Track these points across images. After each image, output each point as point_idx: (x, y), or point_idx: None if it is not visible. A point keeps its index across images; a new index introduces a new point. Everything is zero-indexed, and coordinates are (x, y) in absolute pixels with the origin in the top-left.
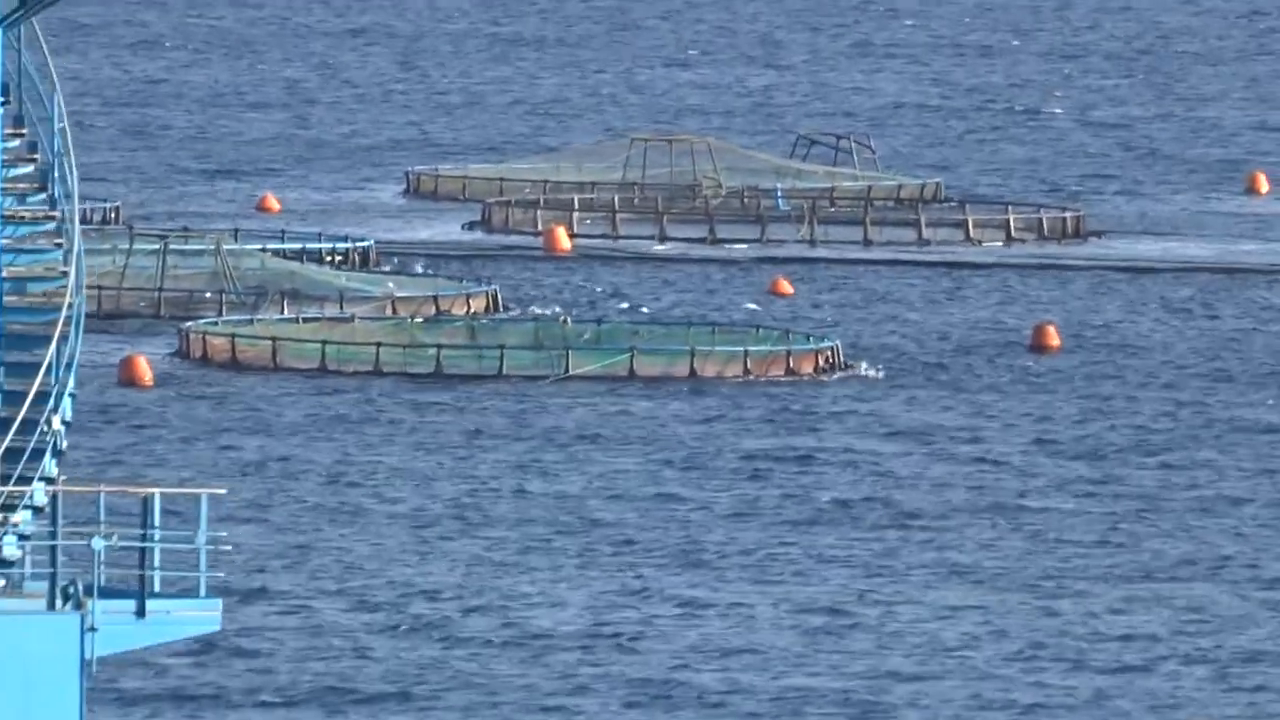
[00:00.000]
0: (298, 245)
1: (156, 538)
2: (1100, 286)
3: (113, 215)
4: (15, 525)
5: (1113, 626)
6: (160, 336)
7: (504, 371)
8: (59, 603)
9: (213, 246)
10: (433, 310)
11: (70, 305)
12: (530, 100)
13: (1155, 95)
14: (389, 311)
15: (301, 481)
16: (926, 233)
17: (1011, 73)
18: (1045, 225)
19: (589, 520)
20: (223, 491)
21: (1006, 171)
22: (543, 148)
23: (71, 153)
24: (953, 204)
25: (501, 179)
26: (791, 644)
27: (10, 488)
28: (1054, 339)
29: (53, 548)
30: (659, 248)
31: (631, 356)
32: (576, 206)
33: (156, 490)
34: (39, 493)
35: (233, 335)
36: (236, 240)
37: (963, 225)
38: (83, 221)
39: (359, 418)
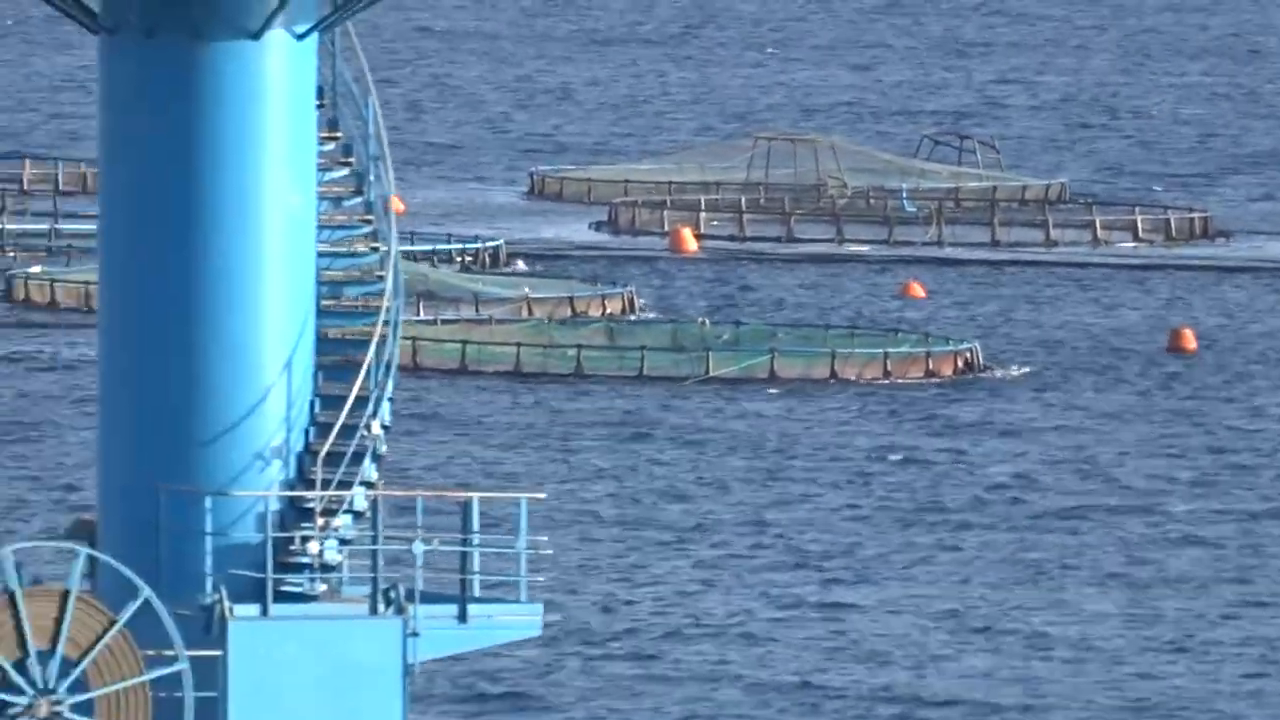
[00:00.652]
0: (428, 247)
1: (476, 542)
2: (1229, 287)
3: None
4: (336, 530)
5: (1258, 624)
6: None
7: (644, 372)
8: (381, 607)
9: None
10: (568, 311)
11: (387, 309)
12: (641, 98)
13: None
14: (524, 313)
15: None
16: (1054, 234)
17: (1125, 73)
18: (1173, 226)
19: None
20: (542, 496)
21: (1119, 170)
22: (669, 147)
23: (388, 157)
24: (1079, 205)
25: (626, 180)
26: (940, 645)
27: (331, 492)
28: (1190, 341)
29: (373, 552)
30: (791, 248)
31: (772, 358)
32: (703, 207)
33: (475, 495)
34: (359, 497)
35: None
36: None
37: (1090, 226)
38: None
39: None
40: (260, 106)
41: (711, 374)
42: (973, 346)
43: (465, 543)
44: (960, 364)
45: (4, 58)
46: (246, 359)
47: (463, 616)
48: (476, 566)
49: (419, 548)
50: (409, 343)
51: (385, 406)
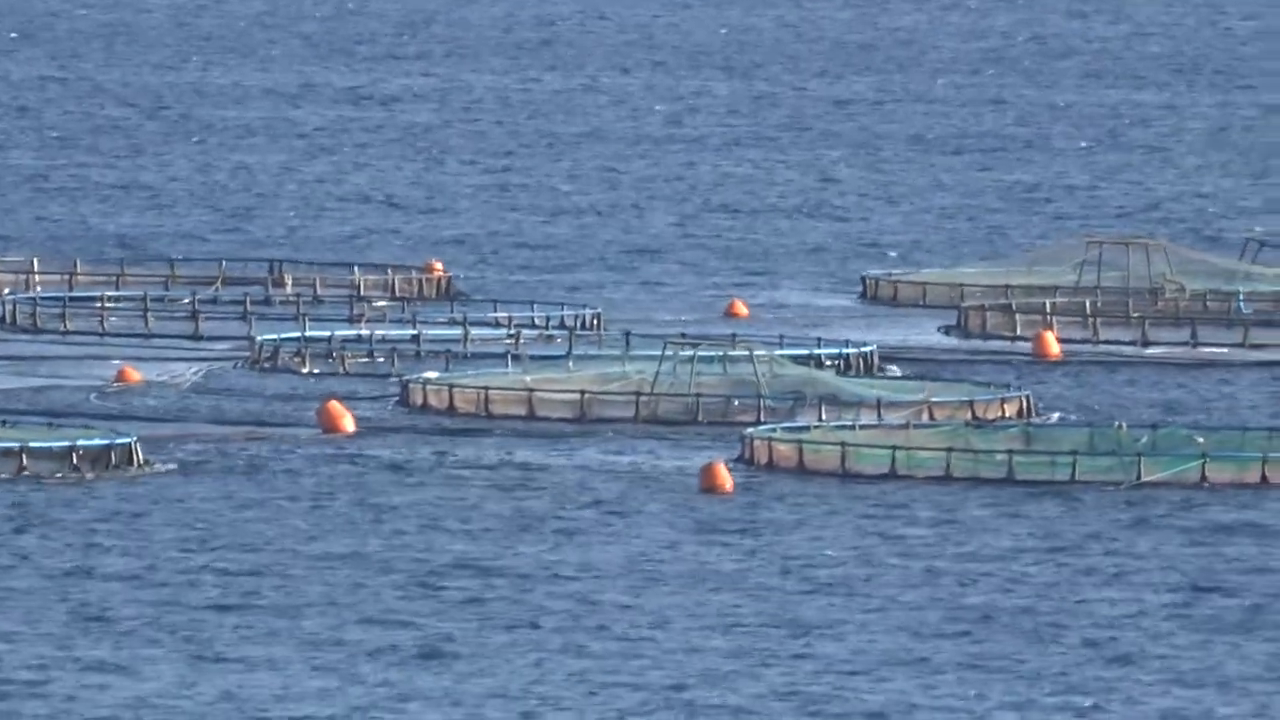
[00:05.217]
0: (803, 351)
1: None
2: None
3: (594, 321)
4: None
5: None
6: (709, 442)
7: (1075, 478)
8: None
9: (745, 354)
10: (968, 415)
11: None
12: (962, 204)
13: None
14: (925, 417)
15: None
16: None
17: None
18: None
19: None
20: None
21: None
22: (993, 250)
23: None
24: None
25: (962, 284)
26: None
27: None
28: None
29: None
30: (1151, 351)
31: (1204, 462)
32: (1049, 310)
33: None
34: None
35: (799, 442)
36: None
37: None
38: (561, 327)
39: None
40: None
41: (1143, 479)
42: None
43: None
44: None
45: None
46: None
47: None
48: None
49: None
50: (837, 448)
51: None
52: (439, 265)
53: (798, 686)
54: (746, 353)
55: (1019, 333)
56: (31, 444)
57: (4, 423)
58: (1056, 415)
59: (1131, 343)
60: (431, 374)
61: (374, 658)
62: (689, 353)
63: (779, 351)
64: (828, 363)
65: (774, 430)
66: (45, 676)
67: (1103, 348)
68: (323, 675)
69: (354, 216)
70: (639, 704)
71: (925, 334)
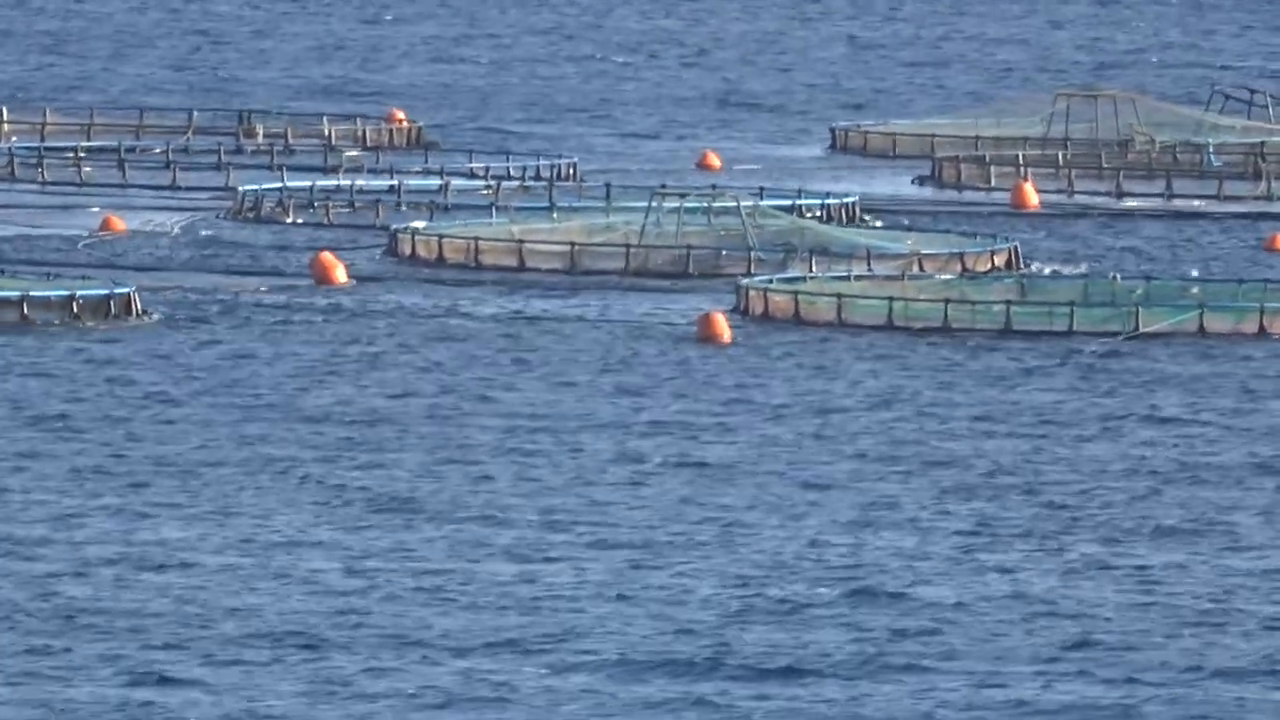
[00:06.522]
0: (786, 201)
1: None
2: None
3: (570, 172)
4: None
5: None
6: (704, 294)
7: (1074, 328)
8: None
9: (733, 204)
10: (958, 267)
11: None
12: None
13: None
14: (915, 269)
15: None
16: None
17: None
18: None
19: None
20: None
21: None
22: (961, 101)
23: None
24: None
25: (932, 135)
26: None
27: None
28: None
29: None
30: (1127, 203)
31: (1201, 314)
32: (1022, 162)
33: None
34: None
35: (795, 293)
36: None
37: None
38: (538, 179)
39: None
40: None
41: (1142, 330)
42: None
43: None
44: None
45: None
46: None
47: None
48: None
49: None
50: (833, 299)
51: None
52: (401, 114)
53: (808, 539)
54: (734, 203)
55: (994, 184)
56: (32, 293)
57: (2, 272)
58: (1050, 268)
59: (1106, 194)
60: (419, 224)
61: (370, 507)
62: (675, 204)
63: (762, 202)
64: (807, 214)
65: (769, 281)
66: (70, 524)
67: (1078, 199)
68: (327, 529)
69: (310, 66)
70: (642, 544)
71: (898, 185)
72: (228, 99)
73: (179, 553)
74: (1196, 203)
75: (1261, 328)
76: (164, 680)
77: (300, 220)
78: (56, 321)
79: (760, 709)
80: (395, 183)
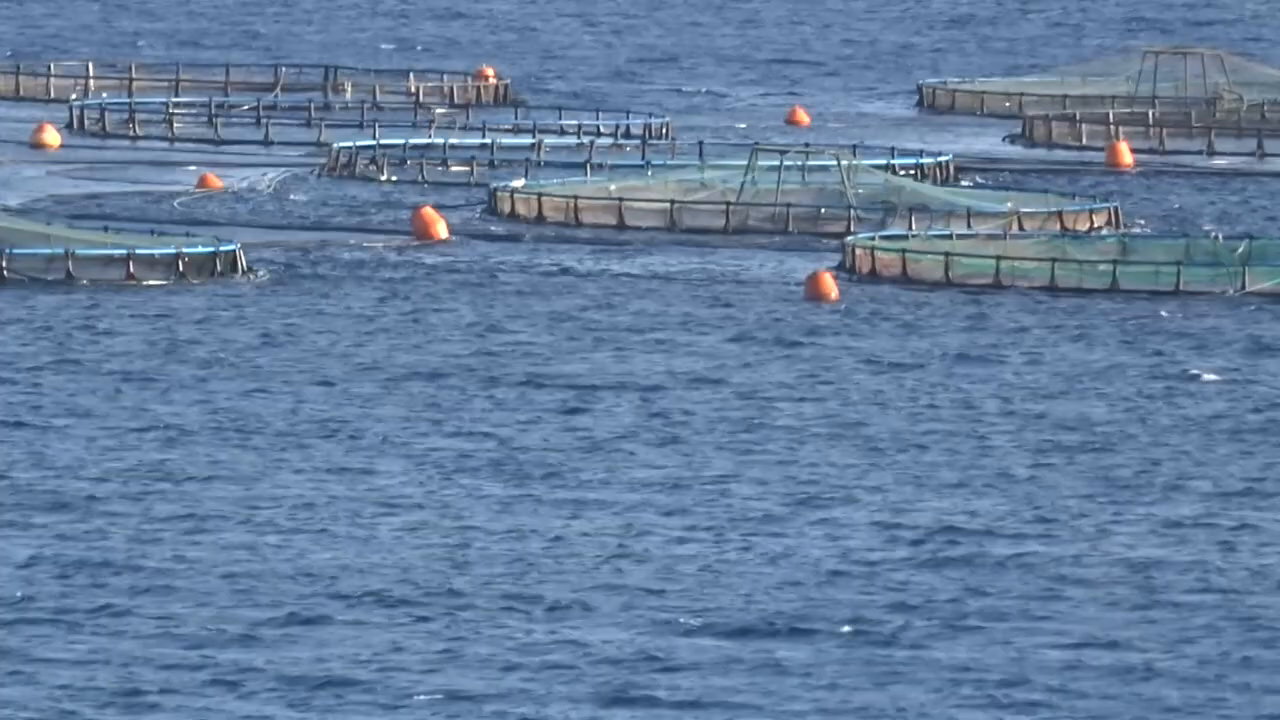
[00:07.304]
0: (880, 161)
1: None
2: None
3: (663, 130)
4: None
5: None
6: (806, 253)
7: (1180, 288)
8: None
9: (833, 163)
10: (1057, 226)
11: None
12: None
13: None
14: (1015, 228)
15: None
16: None
17: None
18: None
19: None
20: None
21: None
22: (1049, 60)
23: None
24: None
25: (1022, 94)
26: None
27: None
28: None
29: None
30: (1217, 162)
31: None
32: (1112, 120)
33: None
34: None
35: (903, 251)
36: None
37: None
38: (629, 136)
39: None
40: None
41: (1249, 289)
42: None
43: None
44: None
45: None
46: None
47: None
48: None
49: None
50: (940, 258)
51: None
52: (490, 71)
53: (914, 499)
54: (833, 161)
55: (1085, 142)
56: (138, 251)
57: (106, 228)
58: (1150, 227)
59: (1198, 152)
60: (518, 182)
61: (463, 468)
62: (774, 161)
63: (864, 162)
64: (901, 172)
65: (873, 239)
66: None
67: (1170, 158)
68: (413, 486)
69: (394, 27)
70: (745, 499)
71: (989, 143)
72: (306, 54)
73: (288, 511)
74: None
75: None
76: (249, 640)
77: (394, 178)
78: (163, 280)
79: (867, 670)
80: (488, 140)
